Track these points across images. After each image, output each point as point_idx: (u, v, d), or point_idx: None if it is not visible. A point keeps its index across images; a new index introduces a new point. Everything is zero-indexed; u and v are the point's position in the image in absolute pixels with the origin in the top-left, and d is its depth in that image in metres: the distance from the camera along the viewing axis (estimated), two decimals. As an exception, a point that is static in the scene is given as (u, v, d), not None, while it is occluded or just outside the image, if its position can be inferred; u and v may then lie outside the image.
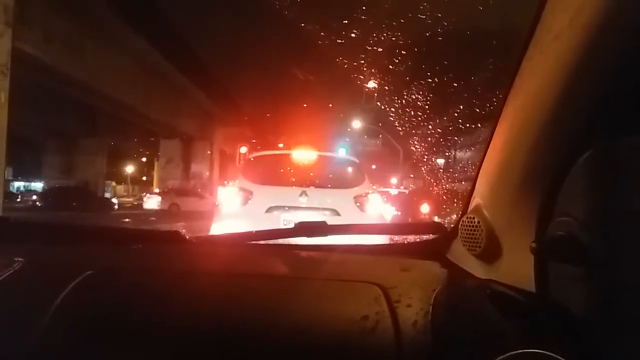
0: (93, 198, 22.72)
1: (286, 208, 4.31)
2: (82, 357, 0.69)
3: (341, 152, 8.83)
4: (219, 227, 4.32)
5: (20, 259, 0.84)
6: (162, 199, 22.53)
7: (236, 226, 4.02)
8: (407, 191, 16.60)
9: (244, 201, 4.38)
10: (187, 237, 1.06)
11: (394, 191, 16.13)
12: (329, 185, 4.69)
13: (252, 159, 5.34)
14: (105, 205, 22.30)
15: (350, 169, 5.09)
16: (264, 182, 4.59)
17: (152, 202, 22.92)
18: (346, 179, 4.87)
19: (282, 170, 4.82)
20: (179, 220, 14.06)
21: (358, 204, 4.43)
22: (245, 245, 1.13)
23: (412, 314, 0.69)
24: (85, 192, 22.74)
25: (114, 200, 25.98)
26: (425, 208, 11.36)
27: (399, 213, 11.87)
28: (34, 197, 23.27)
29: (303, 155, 4.97)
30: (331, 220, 4.10)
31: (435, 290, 0.74)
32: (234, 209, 4.36)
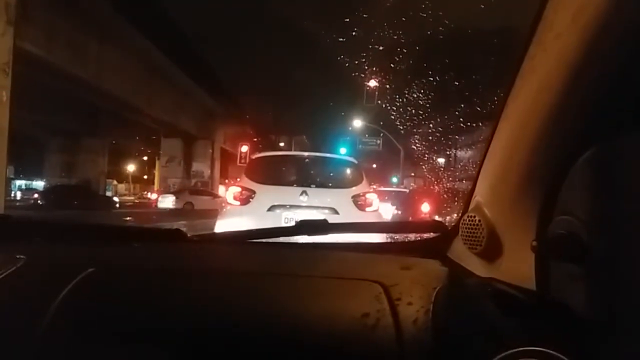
0: (94, 196, 22.75)
1: (287, 207, 4.45)
2: (84, 354, 0.69)
3: (340, 153, 8.98)
4: (222, 225, 4.45)
5: (22, 257, 0.84)
6: (177, 198, 22.62)
7: (239, 224, 4.18)
8: (406, 190, 16.69)
9: (246, 200, 4.53)
10: (189, 235, 1.07)
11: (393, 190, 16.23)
12: (329, 185, 4.86)
13: (254, 160, 5.53)
14: (106, 204, 22.34)
15: (348, 170, 5.24)
16: (266, 182, 4.74)
17: (167, 201, 22.91)
18: (345, 179, 5.05)
19: (283, 170, 5.04)
20: (192, 219, 13.99)
21: (356, 203, 4.59)
22: (246, 243, 1.13)
23: (413, 312, 0.69)
24: (86, 190, 22.77)
25: (116, 199, 25.96)
26: (426, 207, 11.35)
27: (399, 212, 11.88)
28: (35, 195, 23.14)
29: (303, 156, 5.29)
30: (330, 218, 4.09)
31: (436, 289, 0.74)
32: (238, 207, 4.52)
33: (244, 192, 4.60)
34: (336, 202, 4.56)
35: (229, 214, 4.59)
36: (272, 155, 5.90)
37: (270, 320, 0.71)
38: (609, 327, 0.54)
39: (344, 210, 4.46)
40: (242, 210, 4.46)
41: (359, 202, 4.60)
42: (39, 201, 21.57)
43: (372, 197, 4.78)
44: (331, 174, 5.11)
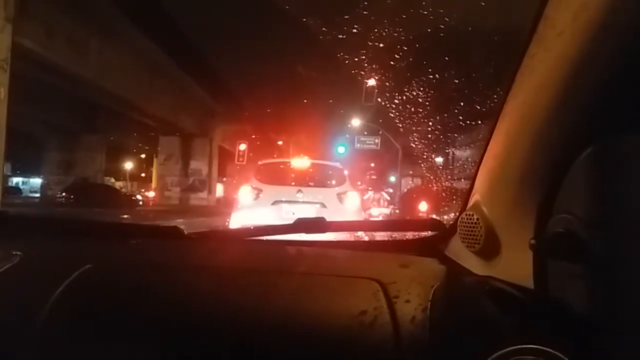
0: (118, 195, 23.47)
1: (287, 202, 5.69)
2: (80, 350, 0.69)
3: (339, 152, 10.73)
4: (237, 216, 5.78)
5: (18, 253, 0.84)
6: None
7: (250, 214, 5.56)
8: (390, 190, 17.95)
9: (255, 196, 5.88)
10: (186, 232, 1.06)
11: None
12: (319, 185, 6.30)
13: (261, 165, 6.85)
14: (129, 202, 22.63)
15: (335, 173, 6.68)
16: (270, 183, 6.07)
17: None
18: (331, 180, 6.45)
19: (283, 173, 6.48)
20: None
21: (340, 199, 5.93)
22: (244, 241, 1.13)
23: (411, 310, 0.69)
24: (110, 189, 23.71)
25: (139, 197, 25.77)
26: (423, 206, 11.38)
27: (397, 210, 11.96)
28: (64, 193, 22.65)
29: (299, 162, 6.90)
30: (319, 211, 5.59)
31: (433, 287, 0.74)
32: (249, 202, 5.86)
33: (253, 190, 5.93)
34: (324, 198, 5.85)
35: (242, 207, 5.86)
36: (275, 161, 7.88)
37: (267, 317, 0.71)
38: (607, 325, 0.54)
39: (330, 204, 5.75)
40: (253, 204, 5.76)
41: (341, 199, 5.93)
42: (64, 199, 21.63)
43: (352, 194, 6.14)
44: (321, 176, 6.56)
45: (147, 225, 1.12)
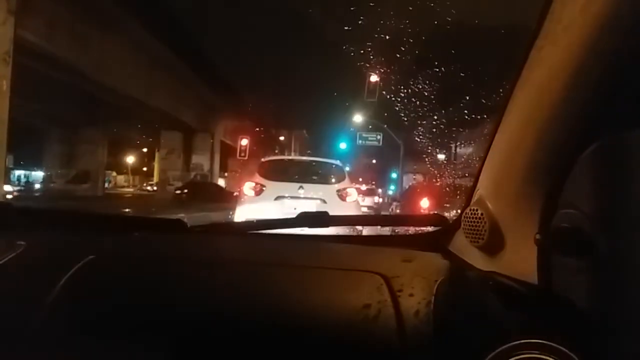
0: (220, 191, 25.21)
1: (289, 197, 5.96)
2: (83, 341, 0.69)
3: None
4: (241, 210, 6.07)
5: (22, 243, 0.84)
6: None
7: (254, 209, 5.80)
8: (374, 188, 19.51)
9: (259, 192, 6.19)
10: (189, 225, 1.06)
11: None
12: (319, 182, 6.61)
13: (264, 162, 7.22)
14: (232, 197, 24.02)
15: (334, 170, 7.06)
16: (273, 179, 6.37)
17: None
18: (331, 177, 6.83)
19: (286, 170, 6.89)
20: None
21: (339, 195, 6.24)
22: (247, 234, 1.13)
23: (414, 304, 0.69)
24: (213, 186, 25.73)
25: (236, 194, 27.04)
26: (425, 203, 11.38)
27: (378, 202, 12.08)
28: (185, 189, 25.29)
29: (301, 160, 7.37)
30: (319, 206, 5.78)
31: (437, 281, 0.74)
32: (253, 197, 6.16)
33: (257, 185, 6.25)
34: (324, 194, 6.17)
35: (247, 201, 6.16)
36: (278, 159, 8.33)
37: (270, 311, 0.71)
38: (611, 320, 0.54)
39: (330, 200, 6.03)
40: (256, 199, 6.07)
41: (341, 195, 6.24)
42: (183, 194, 24.11)
43: (351, 190, 6.51)
44: (321, 173, 6.90)
45: (151, 218, 1.12)
